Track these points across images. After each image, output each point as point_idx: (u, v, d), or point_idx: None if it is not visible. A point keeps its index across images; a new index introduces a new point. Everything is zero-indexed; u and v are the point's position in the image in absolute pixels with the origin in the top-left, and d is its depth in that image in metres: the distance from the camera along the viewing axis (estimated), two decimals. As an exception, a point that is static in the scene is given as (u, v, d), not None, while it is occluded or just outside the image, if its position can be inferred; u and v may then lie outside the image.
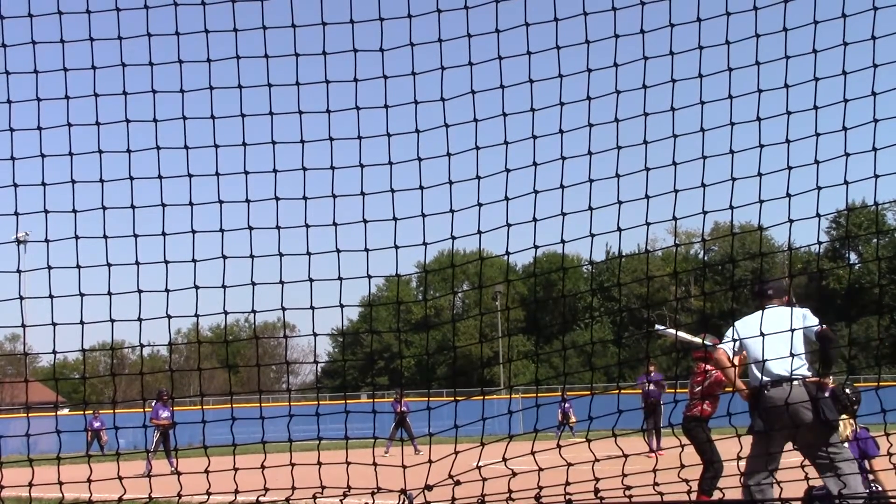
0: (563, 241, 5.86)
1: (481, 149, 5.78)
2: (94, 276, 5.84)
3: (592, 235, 5.84)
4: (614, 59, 5.66)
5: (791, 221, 5.72)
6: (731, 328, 8.70)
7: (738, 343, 8.53)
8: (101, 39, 5.70)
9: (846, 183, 5.63)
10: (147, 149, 5.76)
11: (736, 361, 8.51)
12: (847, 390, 12.19)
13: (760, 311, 8.26)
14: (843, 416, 11.21)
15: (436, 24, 5.80)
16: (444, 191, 5.78)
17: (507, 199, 5.75)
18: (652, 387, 24.25)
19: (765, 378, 8.09)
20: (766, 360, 7.84)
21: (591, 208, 5.77)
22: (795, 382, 7.97)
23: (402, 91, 5.92)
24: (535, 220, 5.82)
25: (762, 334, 7.47)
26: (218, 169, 5.71)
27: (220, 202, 5.76)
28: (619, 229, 5.84)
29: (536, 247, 5.88)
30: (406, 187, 5.81)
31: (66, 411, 54.03)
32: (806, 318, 8.28)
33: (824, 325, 8.31)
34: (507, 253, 5.92)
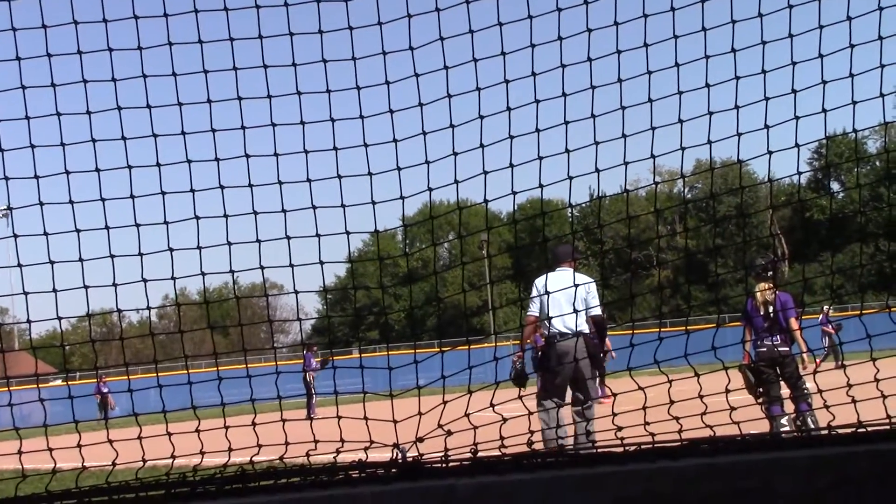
0: (541, 186, 5.82)
1: (454, 96, 5.73)
2: (67, 244, 5.77)
3: (571, 178, 5.82)
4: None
5: (770, 153, 5.68)
6: (534, 287, 11.62)
7: (538, 300, 11.36)
8: (54, 26, 5.57)
9: (824, 111, 5.60)
10: (109, 109, 5.66)
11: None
12: (761, 260, 12.89)
13: (555, 273, 11.26)
14: (763, 284, 12.13)
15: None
16: (419, 142, 5.73)
17: (482, 146, 5.69)
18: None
19: (556, 330, 11.10)
20: (558, 315, 10.81)
21: (567, 151, 5.72)
22: (577, 338, 10.97)
23: (369, 42, 5.85)
24: (511, 165, 5.78)
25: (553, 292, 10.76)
26: (184, 128, 5.62)
27: (189, 161, 5.67)
28: (598, 170, 5.80)
29: (515, 192, 5.84)
30: (379, 140, 5.76)
31: (57, 382, 54.08)
32: (589, 291, 11.25)
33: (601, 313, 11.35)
34: (486, 201, 5.89)
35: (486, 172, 5.65)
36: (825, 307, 35.45)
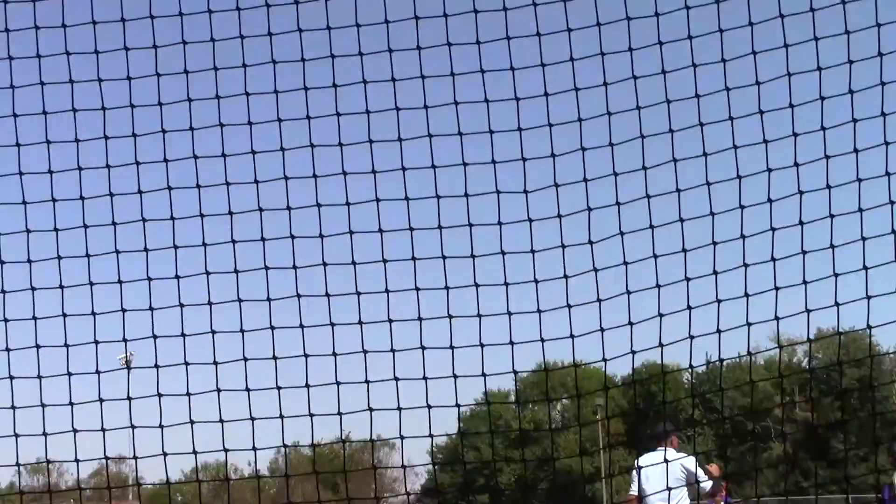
0: (661, 345, 5.65)
1: (566, 247, 5.66)
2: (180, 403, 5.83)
3: (692, 338, 5.63)
4: (703, 148, 5.54)
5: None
6: (636, 469, 11.61)
7: (637, 480, 11.38)
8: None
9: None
10: (227, 272, 5.80)
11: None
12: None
13: (653, 452, 11.37)
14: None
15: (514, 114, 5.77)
16: (534, 315, 5.68)
17: (598, 300, 5.57)
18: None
19: None
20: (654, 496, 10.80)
21: (689, 307, 5.55)
22: None
23: (485, 206, 5.89)
24: (630, 323, 5.63)
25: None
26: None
27: (302, 327, 5.78)
28: (719, 331, 5.62)
29: (634, 352, 5.67)
30: (493, 312, 5.77)
31: (166, 533, 54.09)
32: (688, 469, 11.07)
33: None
34: (605, 359, 5.75)
35: (602, 331, 5.51)
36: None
